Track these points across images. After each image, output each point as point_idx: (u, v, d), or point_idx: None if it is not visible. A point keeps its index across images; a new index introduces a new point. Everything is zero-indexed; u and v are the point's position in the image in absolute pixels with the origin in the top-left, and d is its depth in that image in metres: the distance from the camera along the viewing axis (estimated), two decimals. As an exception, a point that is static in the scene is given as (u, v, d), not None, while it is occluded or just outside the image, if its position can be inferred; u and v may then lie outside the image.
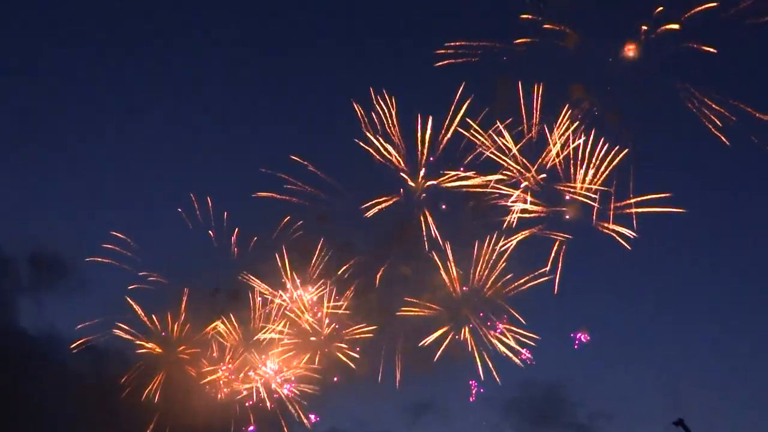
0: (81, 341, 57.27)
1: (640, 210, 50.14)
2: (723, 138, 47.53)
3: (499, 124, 50.88)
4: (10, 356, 58.65)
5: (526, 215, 51.99)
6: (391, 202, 53.30)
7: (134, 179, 66.87)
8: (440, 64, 49.48)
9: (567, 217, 51.91)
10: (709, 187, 59.61)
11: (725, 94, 47.31)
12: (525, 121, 50.67)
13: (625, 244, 50.37)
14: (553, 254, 51.50)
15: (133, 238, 56.77)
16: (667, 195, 49.83)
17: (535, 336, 53.06)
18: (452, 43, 49.09)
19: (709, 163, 55.30)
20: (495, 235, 52.68)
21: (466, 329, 53.69)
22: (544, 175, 51.57)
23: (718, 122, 47.48)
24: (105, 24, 67.46)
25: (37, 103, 67.93)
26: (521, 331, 53.30)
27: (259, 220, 56.57)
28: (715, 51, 46.57)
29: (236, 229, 56.49)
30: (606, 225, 50.79)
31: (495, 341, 53.43)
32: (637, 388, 62.57)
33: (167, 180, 68.00)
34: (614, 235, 50.55)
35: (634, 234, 50.24)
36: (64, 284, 60.29)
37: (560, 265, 51.42)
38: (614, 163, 50.28)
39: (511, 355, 53.12)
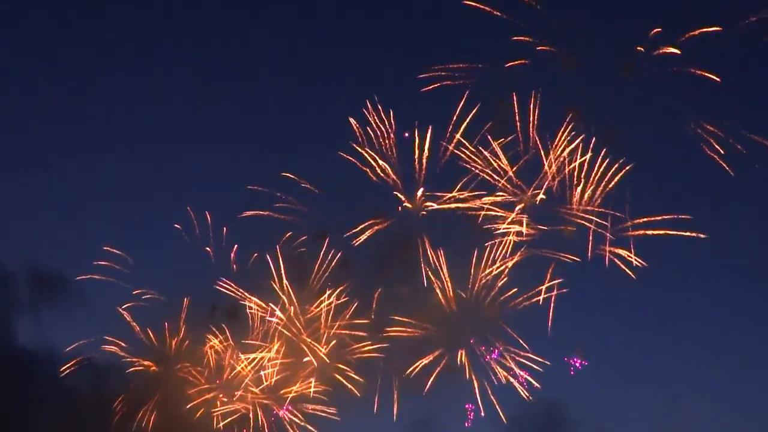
0: (71, 363, 57.28)
1: (639, 232, 49.60)
2: (722, 163, 47.00)
3: (494, 145, 50.43)
4: (8, 374, 58.74)
5: (523, 237, 51.49)
6: (385, 224, 52.98)
7: (133, 192, 66.79)
8: (426, 89, 49.22)
9: (566, 237, 51.40)
10: (710, 205, 58.64)
11: (726, 119, 46.67)
12: (521, 141, 50.24)
13: (630, 273, 49.79)
14: (549, 276, 51.05)
15: (130, 254, 56.85)
16: (687, 217, 49.09)
17: (544, 361, 52.52)
18: (439, 66, 48.73)
19: (711, 180, 54.31)
20: (491, 257, 52.24)
21: (463, 353, 53.14)
22: (543, 197, 51.02)
23: (719, 148, 46.87)
24: (100, 33, 67.61)
25: (34, 111, 68.11)
26: (523, 353, 52.84)
27: (258, 237, 56.30)
28: (719, 80, 45.88)
29: (235, 246, 56.39)
30: (608, 249, 50.18)
31: (495, 366, 52.86)
32: (639, 409, 62.00)
33: (166, 194, 67.84)
34: (618, 262, 50.01)
35: (643, 263, 49.60)
36: (62, 300, 60.40)
37: (555, 286, 50.98)
38: (612, 184, 49.72)
39: (514, 382, 52.52)
